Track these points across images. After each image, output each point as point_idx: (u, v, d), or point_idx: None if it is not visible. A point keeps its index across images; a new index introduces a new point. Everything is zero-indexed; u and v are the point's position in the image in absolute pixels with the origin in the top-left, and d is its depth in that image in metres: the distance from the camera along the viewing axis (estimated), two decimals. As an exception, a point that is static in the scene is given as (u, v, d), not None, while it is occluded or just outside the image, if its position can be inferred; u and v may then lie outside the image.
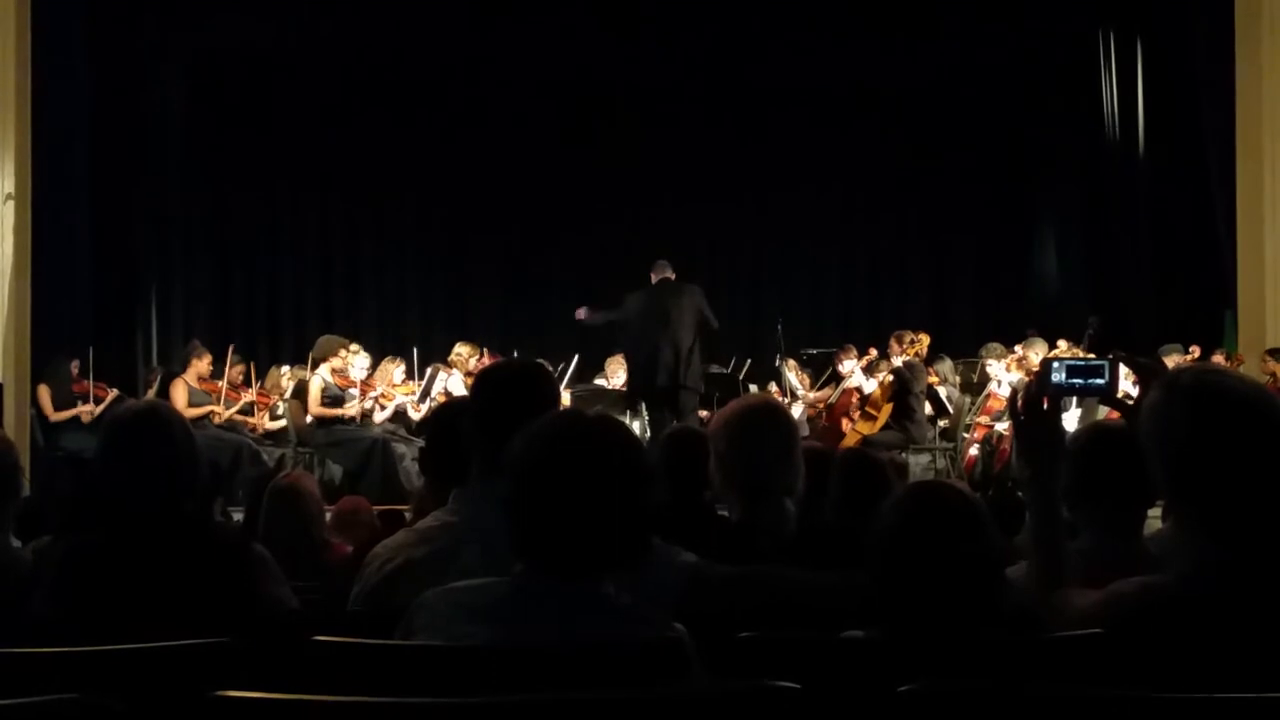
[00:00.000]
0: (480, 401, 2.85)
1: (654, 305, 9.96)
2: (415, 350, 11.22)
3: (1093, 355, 10.24)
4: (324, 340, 10.39)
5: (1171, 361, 9.55)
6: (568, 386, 10.99)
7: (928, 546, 2.29)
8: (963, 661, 2.17)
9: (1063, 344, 10.97)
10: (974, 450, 10.49)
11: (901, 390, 10.18)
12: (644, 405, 10.39)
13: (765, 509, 3.25)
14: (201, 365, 10.22)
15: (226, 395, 10.16)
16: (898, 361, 10.32)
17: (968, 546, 2.29)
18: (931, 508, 2.34)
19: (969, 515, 2.33)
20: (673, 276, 10.17)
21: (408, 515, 4.34)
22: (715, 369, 11.31)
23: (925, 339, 10.56)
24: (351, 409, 9.91)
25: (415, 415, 10.31)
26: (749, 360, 12.24)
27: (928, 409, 10.47)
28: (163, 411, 3.08)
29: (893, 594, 2.32)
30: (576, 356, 11.60)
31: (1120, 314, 12.76)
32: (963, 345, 12.45)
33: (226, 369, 10.51)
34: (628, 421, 9.81)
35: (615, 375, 11.56)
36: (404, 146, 14.29)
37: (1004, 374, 10.54)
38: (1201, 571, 2.07)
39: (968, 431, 10.65)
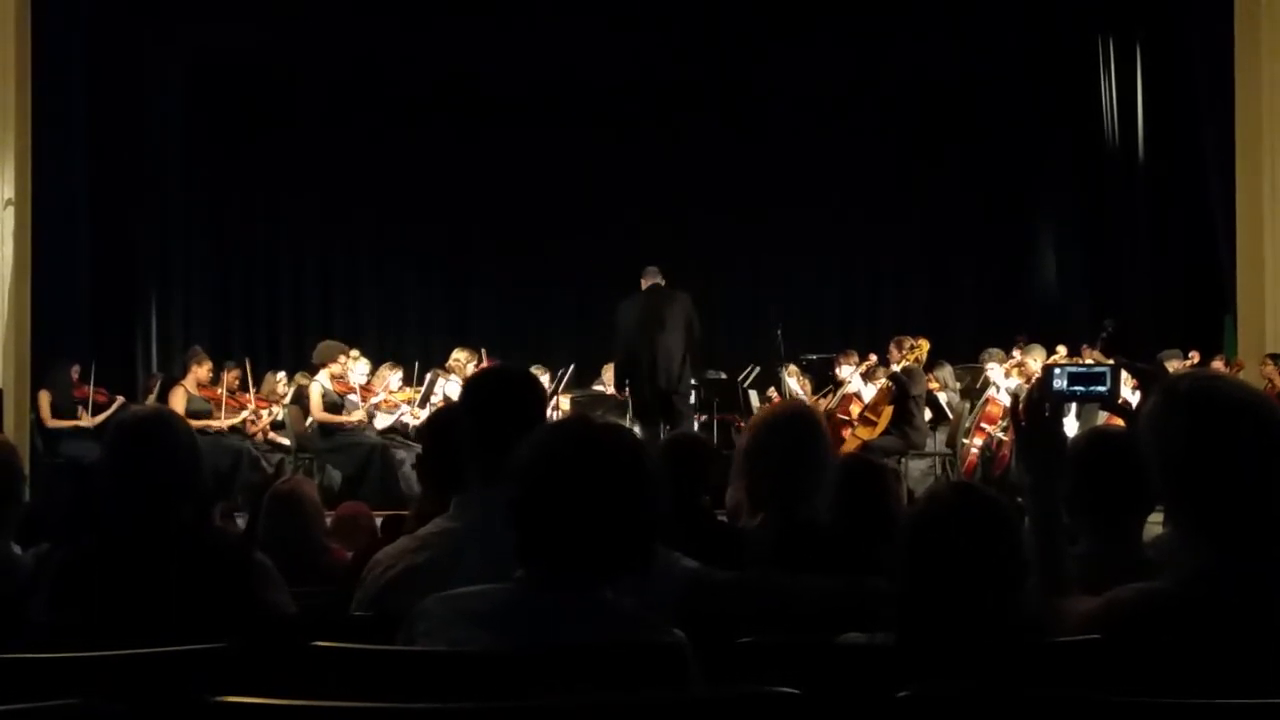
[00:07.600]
0: (471, 410, 2.86)
1: (647, 310, 9.96)
2: (414, 356, 11.21)
3: (1102, 358, 10.25)
4: (324, 346, 10.38)
5: (1171, 367, 9.55)
6: (565, 392, 10.98)
7: (959, 548, 2.25)
8: (962, 666, 2.17)
9: (1062, 350, 10.96)
10: (974, 456, 10.47)
11: (901, 395, 10.17)
12: (633, 410, 10.37)
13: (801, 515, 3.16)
14: (201, 372, 10.21)
15: (226, 403, 10.14)
16: (897, 367, 10.32)
17: (1001, 551, 2.26)
18: (966, 509, 2.29)
19: (1003, 520, 2.28)
20: (662, 282, 10.17)
21: (407, 521, 4.33)
22: (711, 374, 11.30)
23: (925, 344, 10.54)
24: (356, 415, 9.92)
25: (415, 421, 10.30)
26: (751, 367, 12.20)
27: (927, 414, 10.46)
28: (169, 418, 3.10)
29: (914, 593, 2.28)
30: (574, 364, 11.58)
31: (1120, 319, 12.75)
32: (963, 351, 12.42)
33: (224, 375, 10.51)
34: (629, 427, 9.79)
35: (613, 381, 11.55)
36: (402, 152, 14.30)
37: (1003, 379, 10.53)
38: (1200, 577, 2.07)
39: (967, 437, 10.63)
